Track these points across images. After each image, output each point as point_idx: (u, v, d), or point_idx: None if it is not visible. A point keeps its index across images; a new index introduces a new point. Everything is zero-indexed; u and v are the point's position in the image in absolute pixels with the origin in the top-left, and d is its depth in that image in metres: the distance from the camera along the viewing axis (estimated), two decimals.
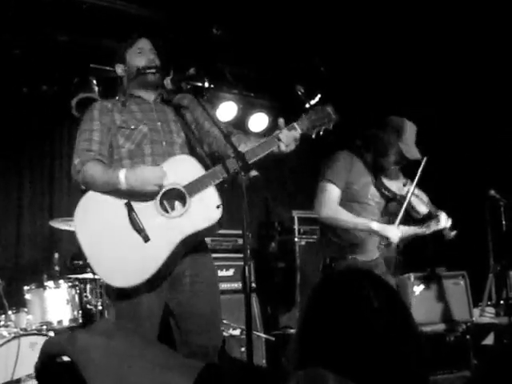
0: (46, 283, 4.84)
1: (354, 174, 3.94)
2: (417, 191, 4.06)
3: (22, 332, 4.48)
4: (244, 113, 7.03)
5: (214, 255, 5.78)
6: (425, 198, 4.13)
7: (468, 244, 6.43)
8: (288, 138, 3.02)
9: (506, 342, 5.60)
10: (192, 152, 3.17)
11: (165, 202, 2.97)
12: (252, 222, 6.65)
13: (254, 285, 5.55)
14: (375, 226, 3.80)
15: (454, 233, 4.10)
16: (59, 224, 5.04)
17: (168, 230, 2.91)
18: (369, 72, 6.71)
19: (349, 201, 3.93)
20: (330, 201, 3.86)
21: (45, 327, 4.66)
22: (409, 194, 3.94)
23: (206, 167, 3.04)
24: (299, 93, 6.85)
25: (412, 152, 3.89)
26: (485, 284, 6.31)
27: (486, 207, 5.84)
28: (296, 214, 6.72)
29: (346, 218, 3.82)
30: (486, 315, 6.13)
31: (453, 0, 5.55)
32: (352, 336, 1.30)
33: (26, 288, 4.83)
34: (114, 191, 2.96)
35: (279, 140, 2.99)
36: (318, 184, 3.94)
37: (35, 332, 4.56)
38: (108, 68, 5.98)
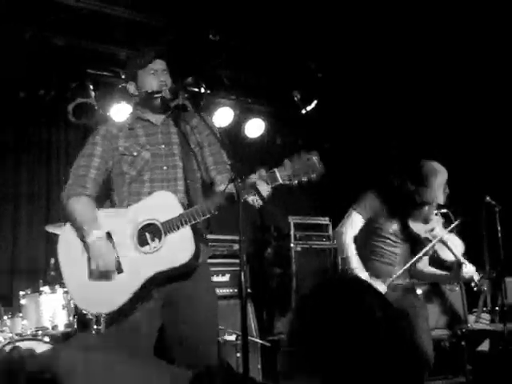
0: (41, 288, 4.84)
1: (379, 211, 4.10)
2: (450, 238, 4.15)
3: (17, 337, 4.47)
4: (240, 118, 7.03)
5: (210, 260, 5.80)
6: (460, 248, 4.21)
7: (464, 250, 6.44)
8: (265, 191, 2.86)
9: (501, 348, 5.60)
10: (188, 178, 3.16)
11: (147, 236, 2.98)
12: (248, 227, 6.66)
13: (249, 290, 5.55)
14: (363, 276, 3.89)
15: (484, 286, 4.37)
16: (55, 229, 5.03)
17: (140, 264, 2.95)
18: (365, 77, 6.72)
19: (370, 232, 4.12)
20: (352, 227, 4.09)
21: (40, 332, 4.66)
22: (433, 242, 4.05)
23: (198, 195, 3.13)
24: (296, 98, 6.89)
25: (433, 195, 3.97)
26: (480, 290, 6.31)
27: (482, 213, 5.84)
28: (292, 219, 6.73)
29: (351, 255, 4.01)
30: (482, 321, 6.13)
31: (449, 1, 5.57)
32: (351, 344, 1.31)
33: (21, 293, 4.82)
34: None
35: (257, 191, 2.83)
36: (348, 211, 4.15)
37: (30, 337, 4.55)
38: (105, 73, 6.00)
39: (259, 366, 5.69)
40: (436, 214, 4.17)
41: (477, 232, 5.97)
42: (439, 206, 4.12)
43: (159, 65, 3.21)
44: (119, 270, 2.96)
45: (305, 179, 2.90)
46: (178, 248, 2.95)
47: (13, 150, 6.10)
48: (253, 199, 2.90)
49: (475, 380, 5.48)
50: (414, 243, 4.18)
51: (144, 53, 3.24)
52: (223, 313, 5.54)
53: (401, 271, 4.04)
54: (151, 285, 2.96)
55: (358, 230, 4.08)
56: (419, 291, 5.77)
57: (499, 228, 5.64)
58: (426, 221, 4.13)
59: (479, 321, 6.13)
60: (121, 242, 2.99)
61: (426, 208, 4.08)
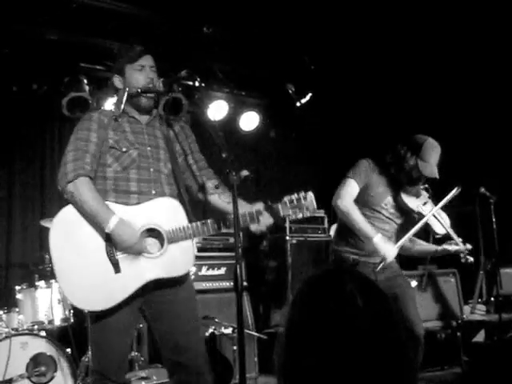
0: (37, 283, 4.83)
1: (374, 181, 4.06)
2: (439, 212, 4.18)
3: (13, 332, 4.47)
4: (235, 111, 7.03)
5: (206, 254, 5.85)
6: (446, 219, 4.23)
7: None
8: (268, 224, 3.10)
9: (496, 339, 5.63)
10: (175, 184, 3.18)
11: (149, 239, 2.99)
12: None
13: (245, 283, 5.57)
14: (377, 238, 3.87)
15: (471, 259, 4.29)
16: (50, 223, 5.01)
17: (139, 268, 2.93)
18: (359, 69, 6.72)
19: (362, 204, 4.04)
20: (349, 195, 3.98)
21: (36, 327, 4.65)
22: (428, 214, 4.06)
23: (182, 201, 3.12)
24: (290, 91, 6.89)
25: (429, 170, 3.98)
26: (475, 281, 6.34)
27: (477, 205, 5.86)
28: None
29: (357, 217, 3.92)
30: (477, 312, 6.16)
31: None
32: (337, 335, 1.31)
33: (17, 288, 4.82)
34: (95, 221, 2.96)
35: (258, 220, 3.06)
36: (342, 179, 4.06)
37: (27, 332, 4.55)
38: (98, 67, 5.98)
39: (255, 359, 5.71)
40: (422, 189, 4.19)
41: (472, 223, 5.99)
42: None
43: (147, 61, 3.17)
44: (117, 270, 2.92)
45: (300, 216, 3.13)
46: (178, 259, 2.98)
47: (6, 145, 6.08)
48: (255, 227, 3.08)
49: (471, 371, 5.51)
50: (406, 220, 4.17)
51: (132, 47, 3.21)
52: (219, 306, 5.58)
53: (403, 240, 4.02)
54: (148, 287, 2.96)
55: (355, 196, 4.01)
56: (413, 283, 5.79)
57: (494, 219, 5.67)
58: (417, 195, 4.14)
59: (474, 312, 6.16)
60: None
61: (420, 183, 4.09)
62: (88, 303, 2.95)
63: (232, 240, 5.96)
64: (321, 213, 6.87)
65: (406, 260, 5.97)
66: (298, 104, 6.85)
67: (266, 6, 5.63)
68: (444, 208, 4.23)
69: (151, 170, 3.12)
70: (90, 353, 4.83)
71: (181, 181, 3.20)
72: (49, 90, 5.89)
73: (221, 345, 5.21)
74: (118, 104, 3.25)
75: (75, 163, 3.01)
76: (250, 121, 7.19)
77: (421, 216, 4.08)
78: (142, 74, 3.14)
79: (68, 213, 3.01)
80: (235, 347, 5.08)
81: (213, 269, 5.83)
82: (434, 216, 4.13)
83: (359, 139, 7.35)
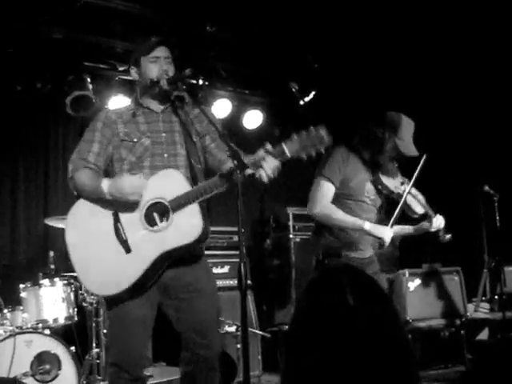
0: (41, 281, 4.84)
1: (351, 170, 3.91)
2: (414, 191, 4.04)
3: (17, 330, 4.48)
4: (238, 110, 7.02)
5: (210, 252, 5.83)
6: (421, 198, 4.10)
7: (462, 240, 6.46)
8: (273, 165, 2.89)
9: (500, 337, 5.62)
10: (192, 165, 3.17)
11: (154, 214, 2.98)
12: (247, 219, 6.67)
13: (249, 282, 5.57)
14: (367, 226, 3.78)
15: (448, 236, 4.08)
16: (54, 222, 5.04)
17: (149, 243, 2.94)
18: (363, 69, 6.72)
19: (344, 198, 3.91)
20: (324, 198, 3.83)
21: (40, 325, 4.67)
22: (405, 193, 3.93)
23: (196, 180, 3.10)
24: (293, 90, 6.88)
25: (409, 148, 3.86)
26: (479, 279, 6.34)
27: (480, 203, 5.86)
28: (291, 210, 6.73)
29: (339, 216, 3.81)
30: (481, 310, 6.16)
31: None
32: (336, 335, 1.31)
33: (21, 286, 4.83)
34: (101, 201, 3.03)
35: (263, 169, 2.88)
36: (314, 179, 3.91)
37: (31, 330, 4.56)
38: (102, 66, 5.99)
39: (259, 357, 5.72)
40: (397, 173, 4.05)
41: (475, 221, 5.99)
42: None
43: (162, 52, 3.20)
44: (127, 250, 2.94)
45: (313, 152, 2.95)
46: (187, 225, 2.95)
47: (10, 144, 6.09)
48: (260, 174, 2.90)
49: (474, 369, 5.50)
50: (383, 202, 4.05)
51: (148, 39, 3.25)
52: (223, 304, 5.57)
53: (392, 221, 3.85)
54: (160, 265, 2.95)
55: (331, 196, 3.84)
56: (417, 281, 5.79)
57: (498, 217, 5.67)
58: (394, 175, 4.01)
59: (478, 310, 6.16)
60: (128, 221, 2.98)
61: (395, 162, 3.96)
62: (105, 288, 2.98)
63: (236, 238, 5.97)
64: None
65: (410, 258, 6.00)
66: (301, 102, 6.84)
67: (269, 5, 5.63)
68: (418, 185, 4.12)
69: (165, 155, 3.14)
70: (94, 351, 4.85)
71: (198, 162, 3.19)
72: (52, 89, 5.90)
73: (225, 343, 5.21)
74: (135, 97, 3.32)
75: (75, 162, 3.15)
76: (253, 119, 7.19)
77: (400, 196, 3.94)
78: (156, 65, 3.17)
79: (77, 207, 3.11)
80: (239, 345, 5.09)
81: (216, 267, 5.84)
82: (411, 194, 4.00)
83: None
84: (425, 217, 4.07)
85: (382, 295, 1.41)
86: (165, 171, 3.07)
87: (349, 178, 3.90)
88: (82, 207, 3.09)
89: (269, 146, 2.92)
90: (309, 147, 2.93)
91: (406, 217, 4.14)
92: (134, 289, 2.93)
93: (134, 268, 2.92)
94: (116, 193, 2.95)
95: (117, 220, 2.98)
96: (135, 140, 3.13)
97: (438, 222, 4.02)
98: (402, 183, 4.00)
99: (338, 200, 3.89)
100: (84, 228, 3.04)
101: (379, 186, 3.99)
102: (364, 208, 3.97)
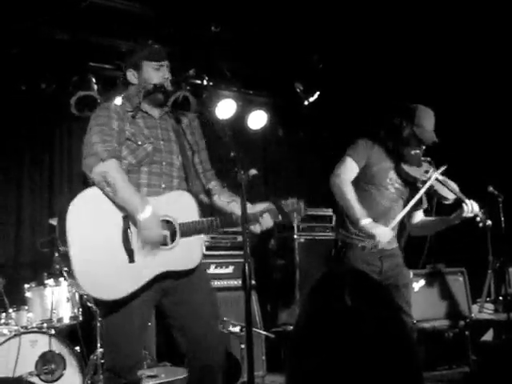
0: (46, 281, 4.86)
1: (375, 157, 3.96)
2: (443, 178, 4.02)
3: (22, 330, 4.49)
4: (243, 110, 7.03)
5: (214, 252, 5.86)
6: (453, 185, 4.06)
7: (467, 240, 6.44)
8: (268, 226, 3.19)
9: (504, 338, 5.61)
10: (186, 177, 3.20)
11: (164, 232, 2.98)
12: None
13: (253, 282, 5.57)
14: (364, 222, 3.73)
15: (490, 222, 4.01)
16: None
17: (152, 259, 2.93)
18: (367, 69, 6.71)
19: (366, 182, 3.95)
20: (347, 174, 3.87)
21: (45, 325, 4.68)
22: (430, 180, 3.92)
23: (196, 195, 3.17)
24: (298, 90, 6.89)
25: (428, 135, 3.90)
26: (484, 280, 6.33)
27: (485, 203, 5.85)
28: None
29: (351, 198, 3.79)
30: (485, 311, 6.15)
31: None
32: (339, 337, 1.31)
33: (26, 286, 4.84)
34: (129, 199, 2.93)
35: (259, 221, 3.14)
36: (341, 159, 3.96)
37: (36, 330, 4.58)
38: (107, 66, 6.00)
39: (263, 358, 5.71)
40: (424, 161, 4.05)
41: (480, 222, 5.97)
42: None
43: (165, 61, 3.21)
44: (131, 259, 2.92)
45: (292, 219, 3.37)
46: (189, 252, 3.01)
47: (15, 144, 6.11)
48: (255, 227, 3.15)
49: (479, 370, 5.50)
50: (411, 194, 4.01)
51: (154, 46, 3.22)
52: (227, 304, 5.59)
53: (404, 212, 3.88)
54: (158, 279, 2.97)
55: (354, 176, 3.89)
56: (422, 281, 5.79)
57: (502, 218, 5.65)
58: (419, 164, 4.01)
59: (483, 311, 6.15)
60: (137, 231, 2.96)
61: (418, 151, 3.96)
62: (97, 290, 2.92)
63: (240, 238, 5.97)
64: (328, 211, 6.86)
65: (415, 259, 5.99)
66: (305, 103, 6.85)
67: (274, 5, 5.64)
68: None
69: (163, 163, 3.14)
70: (99, 350, 4.86)
71: (190, 175, 3.22)
72: (57, 89, 5.92)
73: (229, 343, 5.21)
74: (130, 99, 3.23)
75: (104, 144, 2.98)
76: (257, 119, 7.20)
77: (424, 184, 3.94)
78: (159, 72, 3.16)
79: (87, 197, 2.97)
80: (243, 346, 5.09)
81: (221, 267, 5.84)
82: (439, 181, 3.99)
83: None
84: (458, 203, 3.98)
85: (388, 298, 1.41)
86: (180, 192, 3.10)
87: (372, 163, 3.94)
88: (92, 199, 2.96)
89: (271, 205, 3.18)
90: (290, 215, 3.28)
91: (440, 208, 4.11)
92: (127, 297, 2.91)
93: (134, 279, 2.91)
94: (145, 229, 2.91)
95: (127, 226, 2.94)
96: (139, 143, 3.10)
97: (471, 206, 3.92)
98: (427, 171, 4.00)
99: (358, 185, 3.92)
100: (89, 224, 2.92)
101: (403, 175, 4.00)
102: (385, 195, 3.97)
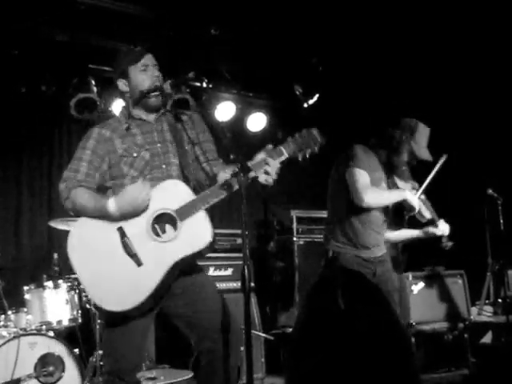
0: (45, 283, 4.85)
1: (371, 165, 3.99)
2: (423, 197, 4.18)
3: (21, 332, 4.48)
4: (242, 113, 7.04)
5: (213, 255, 5.85)
6: (429, 204, 4.23)
7: (466, 243, 6.45)
8: (274, 167, 2.99)
9: (503, 340, 5.62)
10: (184, 173, 3.16)
11: (156, 226, 2.97)
12: (250, 221, 6.66)
13: (252, 284, 5.57)
14: (407, 194, 3.95)
15: (450, 244, 4.21)
16: (58, 224, 5.05)
17: (160, 254, 2.91)
18: (367, 71, 6.72)
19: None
20: (367, 185, 3.88)
21: (44, 327, 4.67)
22: (419, 195, 4.08)
23: (195, 189, 3.09)
24: (297, 92, 6.89)
25: (423, 152, 3.97)
26: (483, 283, 6.33)
27: (484, 206, 5.85)
28: (295, 213, 6.73)
29: (386, 195, 3.97)
30: (484, 314, 6.15)
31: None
32: (335, 336, 1.32)
33: (25, 288, 4.84)
34: (104, 216, 2.96)
35: (266, 172, 2.97)
36: (346, 173, 3.93)
37: (35, 332, 4.57)
38: (107, 68, 6.00)
39: (262, 360, 5.71)
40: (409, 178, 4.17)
41: (479, 224, 5.98)
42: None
43: (149, 60, 3.17)
44: (138, 263, 2.90)
45: (308, 152, 3.11)
46: (196, 232, 2.93)
47: (14, 146, 6.11)
48: (265, 178, 2.97)
49: (478, 372, 5.50)
50: (399, 209, 4.13)
51: (133, 49, 3.22)
52: None
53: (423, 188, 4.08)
54: (174, 274, 2.93)
55: (369, 181, 3.90)
56: (421, 284, 5.79)
57: (502, 220, 5.66)
58: (406, 179, 4.10)
59: (482, 313, 6.15)
60: (136, 234, 2.95)
61: (406, 167, 4.05)
62: (120, 303, 2.90)
63: (239, 241, 5.97)
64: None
65: (413, 261, 5.99)
66: (305, 105, 6.85)
67: (273, 8, 5.64)
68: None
69: (163, 166, 3.12)
70: (98, 353, 4.86)
71: (189, 171, 3.18)
72: (57, 91, 5.91)
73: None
74: (125, 110, 3.25)
75: (67, 182, 3.07)
76: (257, 122, 7.21)
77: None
78: (146, 73, 3.14)
79: (80, 224, 3.04)
80: (242, 348, 5.08)
81: (220, 269, 5.84)
82: (421, 200, 4.14)
83: (367, 140, 7.36)
84: (431, 222, 4.19)
85: (381, 297, 1.42)
86: (167, 182, 3.05)
87: (371, 169, 3.97)
88: (83, 227, 3.03)
89: (269, 147, 3.02)
90: (304, 148, 3.10)
91: (414, 222, 4.22)
92: (149, 301, 2.90)
93: (148, 280, 2.88)
94: (128, 206, 2.91)
95: (123, 235, 2.94)
96: (135, 155, 3.09)
97: (443, 227, 4.17)
98: (413, 188, 4.11)
99: (347, 199, 3.96)
100: (90, 248, 2.97)
101: (393, 187, 4.07)
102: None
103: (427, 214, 4.16)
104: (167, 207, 2.95)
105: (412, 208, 3.96)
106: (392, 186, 4.06)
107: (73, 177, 3.07)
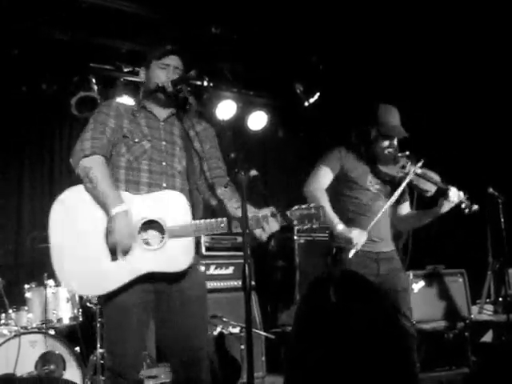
0: (46, 282, 4.86)
1: (350, 164, 4.03)
2: (422, 171, 4.06)
3: (22, 330, 4.50)
4: (243, 111, 7.04)
5: (214, 253, 5.86)
6: (434, 176, 4.09)
7: (467, 241, 6.45)
8: (273, 230, 3.04)
9: (504, 339, 5.62)
10: (189, 182, 3.16)
11: (142, 233, 2.94)
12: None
13: (253, 283, 5.57)
14: (340, 228, 3.85)
15: (476, 207, 4.02)
16: None
17: (136, 259, 2.90)
18: (368, 69, 6.71)
19: (348, 187, 4.03)
20: (317, 181, 3.99)
21: (45, 325, 4.68)
22: (408, 176, 3.98)
23: (197, 200, 3.12)
24: (298, 91, 6.89)
25: (393, 130, 3.97)
26: (483, 281, 6.33)
27: (485, 204, 5.85)
28: None
29: (322, 202, 3.79)
30: (485, 312, 6.15)
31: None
32: (330, 333, 1.33)
33: (26, 287, 4.85)
34: (105, 199, 2.94)
35: (263, 226, 3.01)
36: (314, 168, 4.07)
37: (36, 330, 4.58)
38: (107, 67, 6.01)
39: (263, 358, 5.72)
40: (402, 156, 4.09)
41: (480, 223, 5.98)
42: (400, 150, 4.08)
43: (173, 61, 3.21)
44: (114, 258, 2.89)
45: (308, 226, 3.04)
46: (176, 255, 2.93)
47: (15, 144, 6.11)
48: (260, 233, 3.03)
49: (479, 371, 5.50)
50: (392, 190, 4.05)
51: (162, 46, 3.26)
52: (227, 305, 5.59)
53: (381, 212, 3.90)
54: (143, 280, 2.93)
55: (328, 183, 3.99)
56: (421, 283, 5.79)
57: (502, 219, 5.65)
58: (395, 161, 4.06)
59: (482, 312, 6.15)
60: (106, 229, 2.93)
61: (391, 149, 4.02)
62: (78, 286, 2.95)
63: (240, 239, 5.97)
64: None
65: (414, 259, 5.99)
66: (306, 104, 6.85)
67: (274, 7, 5.64)
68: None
69: (163, 163, 3.12)
70: (99, 351, 4.86)
71: (193, 181, 3.18)
72: (58, 90, 5.92)
73: (229, 344, 5.22)
74: (138, 98, 3.33)
75: (93, 141, 3.04)
76: (258, 120, 7.21)
77: (403, 179, 3.99)
78: (163, 72, 3.18)
79: (70, 195, 3.02)
80: (243, 346, 5.09)
81: (221, 268, 5.84)
82: (419, 175, 4.02)
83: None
84: (441, 194, 3.99)
85: (374, 293, 1.43)
86: (171, 192, 3.04)
87: (349, 169, 4.02)
88: (74, 197, 3.00)
89: (274, 209, 3.05)
90: (306, 221, 3.03)
91: (424, 201, 4.13)
92: (110, 294, 2.91)
93: (115, 277, 2.88)
94: (118, 226, 2.87)
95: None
96: (136, 140, 3.11)
97: (454, 193, 3.96)
98: (404, 166, 4.05)
99: (339, 189, 4.04)
100: (72, 221, 2.95)
101: (381, 175, 4.06)
102: (370, 196, 4.04)
103: (428, 187, 4.02)
104: (162, 218, 2.94)
105: (351, 242, 3.80)
106: (377, 174, 4.05)
107: (99, 139, 3.05)
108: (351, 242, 3.79)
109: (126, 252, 2.88)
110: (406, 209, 4.26)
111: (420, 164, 4.04)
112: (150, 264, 2.91)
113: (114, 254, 2.90)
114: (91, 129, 3.09)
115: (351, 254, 3.79)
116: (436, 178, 4.09)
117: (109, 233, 2.89)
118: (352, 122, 4.30)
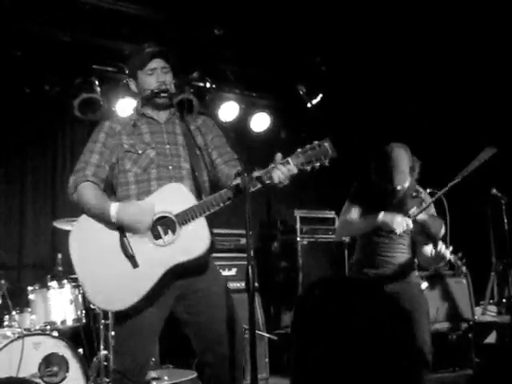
0: (49, 283, 4.85)
1: (367, 199, 4.11)
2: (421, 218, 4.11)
3: (25, 332, 4.49)
4: (246, 113, 7.03)
5: (217, 255, 5.83)
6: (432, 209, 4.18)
7: (470, 242, 6.43)
8: (281, 175, 2.93)
9: (507, 340, 5.61)
10: (196, 178, 3.16)
11: (159, 228, 2.96)
12: (254, 221, 6.66)
13: (256, 284, 5.57)
14: (380, 216, 3.93)
15: (463, 268, 4.35)
16: (62, 224, 5.05)
17: (155, 258, 2.92)
18: (370, 70, 6.72)
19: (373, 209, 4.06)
20: (344, 214, 4.15)
21: (48, 327, 4.68)
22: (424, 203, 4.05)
23: (207, 195, 3.08)
24: (301, 92, 6.89)
25: (397, 178, 4.02)
26: (487, 283, 6.32)
27: (488, 205, 5.84)
28: (298, 213, 6.73)
29: (355, 225, 4.07)
30: (488, 314, 6.15)
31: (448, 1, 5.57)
32: (329, 333, 1.33)
33: (29, 288, 4.85)
34: (104, 217, 2.98)
35: (271, 177, 2.92)
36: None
37: (39, 332, 4.58)
38: (110, 69, 6.01)
39: (266, 360, 5.71)
40: (415, 196, 4.10)
41: (483, 224, 5.97)
42: (415, 190, 4.11)
43: (157, 63, 3.18)
44: (135, 265, 2.92)
45: (317, 165, 2.98)
46: (193, 239, 2.93)
47: (18, 146, 6.11)
48: (278, 176, 2.94)
49: (482, 373, 5.49)
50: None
51: (142, 52, 3.22)
52: None
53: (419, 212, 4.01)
54: (168, 278, 2.94)
55: (353, 216, 4.09)
56: (424, 284, 5.78)
57: (506, 220, 5.65)
58: (401, 205, 4.07)
59: (486, 313, 6.14)
60: (134, 236, 2.96)
61: (399, 193, 4.08)
62: (112, 303, 2.95)
63: (243, 241, 5.97)
64: (331, 214, 6.87)
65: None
66: (309, 105, 6.85)
67: (277, 8, 5.64)
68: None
69: (170, 167, 3.12)
70: (102, 353, 4.86)
71: (202, 175, 3.18)
72: (60, 92, 5.92)
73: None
74: (136, 108, 3.32)
75: (77, 175, 3.10)
76: (260, 122, 7.20)
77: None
78: (153, 77, 3.16)
79: (82, 221, 3.07)
80: (246, 348, 5.08)
81: (224, 269, 5.84)
82: (416, 222, 4.03)
83: (370, 139, 7.36)
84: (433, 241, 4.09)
85: (378, 292, 1.44)
86: (170, 185, 3.05)
87: (372, 209, 4.05)
88: (86, 221, 3.05)
89: (278, 156, 2.97)
90: (313, 160, 2.97)
91: None
92: (142, 303, 2.91)
93: (142, 283, 2.90)
94: (129, 220, 2.92)
95: (122, 235, 2.95)
96: (140, 152, 3.11)
97: (440, 250, 4.02)
98: (415, 196, 4.10)
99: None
100: (89, 244, 3.01)
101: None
102: (391, 238, 4.07)
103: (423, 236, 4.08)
104: (168, 210, 2.95)
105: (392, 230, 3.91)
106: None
107: (82, 169, 3.09)
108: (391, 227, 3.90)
109: (148, 228, 2.91)
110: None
111: (418, 211, 4.04)
112: (171, 258, 2.92)
113: (133, 261, 2.92)
114: (78, 161, 3.15)
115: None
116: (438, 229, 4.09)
117: (122, 227, 2.93)
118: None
